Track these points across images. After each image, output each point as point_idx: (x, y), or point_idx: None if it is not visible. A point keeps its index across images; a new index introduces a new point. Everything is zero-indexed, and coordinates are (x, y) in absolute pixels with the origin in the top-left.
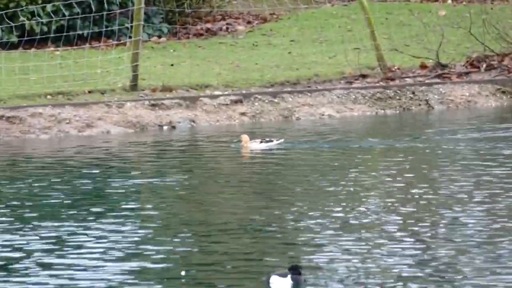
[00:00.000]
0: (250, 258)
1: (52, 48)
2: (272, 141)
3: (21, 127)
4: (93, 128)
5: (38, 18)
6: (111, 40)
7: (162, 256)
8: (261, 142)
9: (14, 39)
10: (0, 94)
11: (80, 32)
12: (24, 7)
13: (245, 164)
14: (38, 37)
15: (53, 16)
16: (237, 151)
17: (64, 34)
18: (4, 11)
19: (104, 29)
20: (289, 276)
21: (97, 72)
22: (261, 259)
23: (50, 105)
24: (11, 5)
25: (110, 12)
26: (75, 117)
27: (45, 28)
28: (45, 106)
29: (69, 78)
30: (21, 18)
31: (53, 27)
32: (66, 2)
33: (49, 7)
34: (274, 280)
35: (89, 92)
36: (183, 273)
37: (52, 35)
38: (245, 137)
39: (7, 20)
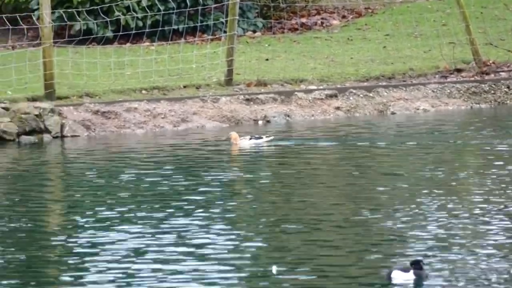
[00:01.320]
0: (357, 251)
1: (147, 43)
2: (261, 138)
3: (116, 122)
4: (188, 122)
5: (133, 13)
6: (206, 35)
7: (264, 252)
8: (250, 139)
9: (110, 34)
10: (95, 89)
11: (175, 27)
12: (119, 2)
13: (335, 159)
14: (133, 32)
15: (148, 11)
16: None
17: (159, 29)
18: (100, 6)
19: (199, 24)
20: (411, 270)
21: (192, 67)
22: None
23: (146, 100)
24: (107, 0)
25: (205, 7)
26: (170, 112)
27: (140, 23)
28: (141, 101)
29: (164, 73)
30: (116, 13)
31: (148, 22)
32: None
33: (144, 2)
34: (396, 275)
35: (184, 87)
36: (274, 269)
37: (147, 30)
38: (234, 135)
39: (102, 15)
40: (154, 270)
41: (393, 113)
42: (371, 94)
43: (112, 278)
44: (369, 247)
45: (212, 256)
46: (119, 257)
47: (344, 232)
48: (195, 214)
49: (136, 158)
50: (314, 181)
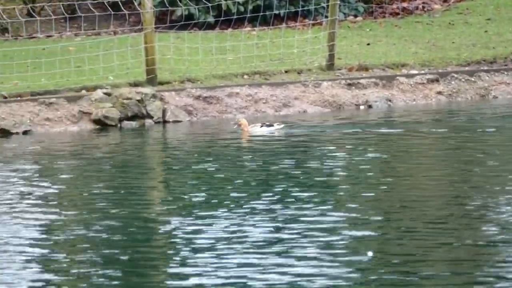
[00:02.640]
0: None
1: (248, 28)
2: (272, 125)
3: (218, 107)
4: (290, 107)
5: None
6: (307, 20)
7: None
8: (261, 126)
9: (211, 19)
10: (197, 74)
11: (277, 12)
12: None
13: (434, 143)
14: (235, 17)
15: None
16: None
17: (261, 14)
18: None
19: (301, 8)
20: None
21: (293, 52)
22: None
23: (247, 85)
24: None
25: None
26: (272, 96)
27: (242, 8)
28: (242, 86)
29: (266, 58)
30: None
31: (250, 7)
32: None
33: None
34: None
35: (286, 71)
36: (370, 253)
37: (248, 15)
38: (243, 121)
39: (203, 0)
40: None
41: (495, 97)
42: (472, 79)
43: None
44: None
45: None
46: (245, 247)
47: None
48: (323, 201)
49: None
50: (431, 167)
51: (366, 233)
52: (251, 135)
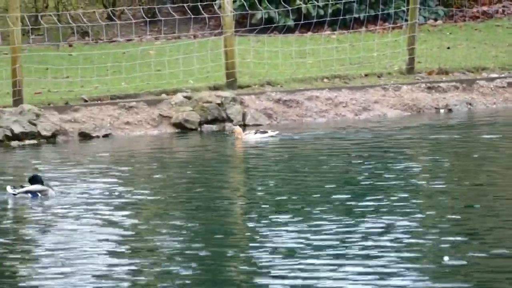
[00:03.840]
0: None
1: (328, 32)
2: (266, 132)
3: (298, 110)
4: (370, 111)
5: (315, 2)
6: (387, 23)
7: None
8: (255, 133)
9: (291, 22)
10: (277, 77)
11: (356, 16)
12: None
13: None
14: (315, 20)
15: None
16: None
17: (341, 17)
18: None
19: (380, 12)
20: None
21: (373, 56)
22: None
23: (327, 88)
24: None
25: None
26: (352, 100)
27: (322, 12)
28: (322, 89)
29: (346, 61)
30: (298, 2)
31: (329, 11)
32: None
33: None
34: None
35: (366, 75)
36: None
37: (328, 18)
38: (238, 129)
39: (283, 4)
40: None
41: None
42: None
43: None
44: None
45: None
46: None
47: None
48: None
49: (323, 144)
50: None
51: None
52: (245, 141)
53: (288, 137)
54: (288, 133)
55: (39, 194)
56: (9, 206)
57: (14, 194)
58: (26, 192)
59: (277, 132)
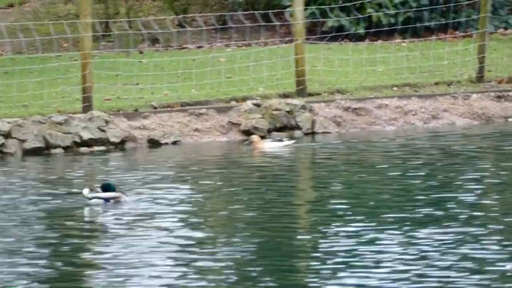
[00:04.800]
0: None
1: (399, 40)
2: (282, 140)
3: (367, 118)
4: (439, 119)
5: (386, 10)
6: (457, 32)
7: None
8: (272, 141)
9: (361, 30)
10: (347, 85)
11: (427, 24)
12: None
13: None
14: (385, 28)
15: (400, 7)
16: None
17: (411, 26)
18: (352, 3)
19: (451, 20)
20: None
21: (443, 64)
22: None
23: (397, 96)
24: None
25: (457, 3)
26: (421, 108)
27: (392, 20)
28: (392, 97)
29: (416, 69)
30: (368, 10)
31: (400, 19)
32: None
33: None
34: None
35: (436, 83)
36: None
37: (399, 26)
38: (256, 138)
39: (354, 12)
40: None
41: None
42: None
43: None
44: None
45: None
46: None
47: None
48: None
49: (393, 155)
50: None
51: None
52: (263, 150)
53: (306, 146)
54: (306, 142)
55: (112, 200)
56: (83, 209)
57: (89, 199)
58: (99, 198)
59: (294, 141)
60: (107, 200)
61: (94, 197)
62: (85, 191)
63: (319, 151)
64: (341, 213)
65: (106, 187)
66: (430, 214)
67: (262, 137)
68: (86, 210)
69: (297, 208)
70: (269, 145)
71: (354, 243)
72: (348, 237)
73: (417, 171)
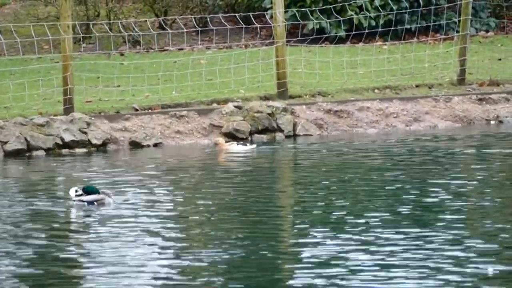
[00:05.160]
0: None
1: (380, 43)
2: (246, 145)
3: (348, 121)
4: (420, 122)
5: (366, 13)
6: (438, 35)
7: None
8: (237, 144)
9: (342, 33)
10: (328, 88)
11: (408, 27)
12: (352, 2)
13: None
14: (366, 31)
15: (381, 10)
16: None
17: (392, 28)
18: (333, 5)
19: (432, 23)
20: None
21: (424, 67)
22: None
23: (378, 99)
24: None
25: (438, 6)
26: (403, 111)
27: (373, 22)
28: (373, 100)
29: (397, 72)
30: (349, 12)
31: (381, 22)
32: None
33: (377, 1)
34: None
35: (417, 86)
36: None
37: (380, 29)
38: (221, 141)
39: (335, 14)
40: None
41: None
42: None
43: None
44: None
45: None
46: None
47: None
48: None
49: (374, 157)
50: None
51: None
52: (227, 152)
53: (267, 151)
54: (264, 146)
55: (95, 203)
56: (67, 211)
57: (74, 200)
58: (82, 200)
59: (255, 145)
60: (90, 203)
61: (78, 200)
62: (72, 191)
63: (295, 154)
64: (323, 215)
65: (89, 190)
66: (411, 215)
67: (227, 141)
68: (71, 212)
69: (279, 211)
70: (233, 148)
71: (337, 246)
72: (329, 239)
73: (398, 173)
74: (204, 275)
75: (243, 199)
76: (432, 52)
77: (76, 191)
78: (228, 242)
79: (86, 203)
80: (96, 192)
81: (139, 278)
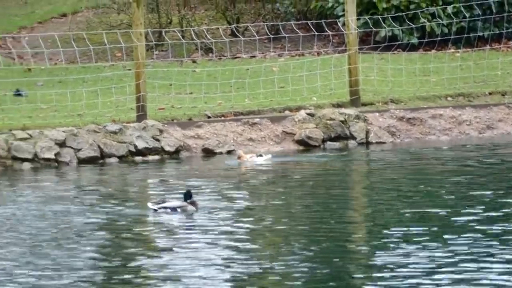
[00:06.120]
0: None
1: (452, 50)
2: (262, 155)
3: (421, 128)
4: (493, 129)
5: (439, 20)
6: (511, 42)
7: None
8: (257, 156)
9: (415, 40)
10: (400, 95)
11: (481, 34)
12: (424, 9)
13: None
14: (439, 38)
15: (453, 17)
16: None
17: (465, 35)
18: (405, 13)
19: (505, 30)
20: None
21: (497, 74)
22: None
23: (451, 106)
24: (412, 6)
25: (511, 13)
26: (476, 118)
27: (446, 30)
28: (446, 107)
29: (469, 79)
30: (422, 20)
31: (453, 29)
32: (467, 4)
33: (449, 9)
34: None
35: (490, 93)
36: None
37: (452, 36)
38: (240, 153)
39: (407, 21)
40: None
41: None
42: None
43: None
44: None
45: None
46: None
47: None
48: None
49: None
50: None
51: None
52: (250, 164)
53: (280, 161)
54: (280, 156)
55: (179, 210)
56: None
57: (155, 210)
58: (165, 207)
59: (270, 155)
60: (173, 209)
61: (161, 207)
62: (150, 205)
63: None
64: (395, 222)
65: (187, 195)
66: (485, 226)
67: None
68: (152, 219)
69: (354, 217)
70: (253, 160)
71: (407, 251)
72: (401, 243)
73: (482, 179)
74: (286, 284)
75: (321, 207)
76: (505, 59)
77: (154, 203)
78: (310, 250)
79: (169, 210)
80: (190, 197)
81: (218, 284)
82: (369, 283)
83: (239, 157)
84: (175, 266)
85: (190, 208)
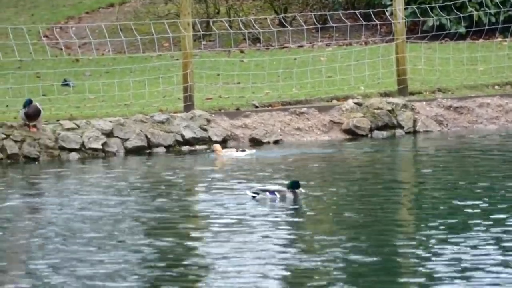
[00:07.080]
0: None
1: (499, 39)
2: (244, 151)
3: (468, 117)
4: None
5: (486, 9)
6: None
7: None
8: (237, 151)
9: (462, 29)
10: (448, 84)
11: None
12: None
13: None
14: (486, 27)
15: (501, 6)
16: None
17: None
18: (453, 2)
19: None
20: None
21: None
22: None
23: (498, 95)
24: None
25: None
26: None
27: (493, 19)
28: (493, 96)
29: None
30: (469, 9)
31: (501, 18)
32: None
33: None
34: None
35: None
36: None
37: (500, 25)
38: (217, 146)
39: (455, 11)
40: None
41: None
42: None
43: None
44: None
45: None
46: None
47: None
48: None
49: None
50: None
51: None
52: (226, 158)
53: (263, 156)
54: (264, 151)
55: (277, 194)
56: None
57: (253, 197)
58: (265, 191)
59: (254, 150)
60: (272, 193)
61: (260, 190)
62: (248, 192)
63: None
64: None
65: (295, 184)
66: None
67: (223, 147)
68: (222, 207)
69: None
70: (236, 154)
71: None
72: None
73: None
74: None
75: (368, 198)
76: None
77: (251, 190)
78: (354, 244)
79: (267, 193)
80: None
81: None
82: (422, 273)
83: (213, 151)
84: (233, 259)
85: (289, 195)
